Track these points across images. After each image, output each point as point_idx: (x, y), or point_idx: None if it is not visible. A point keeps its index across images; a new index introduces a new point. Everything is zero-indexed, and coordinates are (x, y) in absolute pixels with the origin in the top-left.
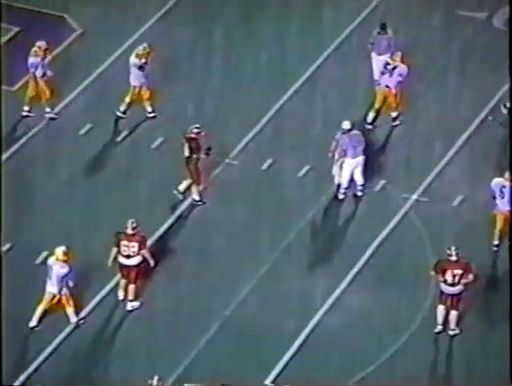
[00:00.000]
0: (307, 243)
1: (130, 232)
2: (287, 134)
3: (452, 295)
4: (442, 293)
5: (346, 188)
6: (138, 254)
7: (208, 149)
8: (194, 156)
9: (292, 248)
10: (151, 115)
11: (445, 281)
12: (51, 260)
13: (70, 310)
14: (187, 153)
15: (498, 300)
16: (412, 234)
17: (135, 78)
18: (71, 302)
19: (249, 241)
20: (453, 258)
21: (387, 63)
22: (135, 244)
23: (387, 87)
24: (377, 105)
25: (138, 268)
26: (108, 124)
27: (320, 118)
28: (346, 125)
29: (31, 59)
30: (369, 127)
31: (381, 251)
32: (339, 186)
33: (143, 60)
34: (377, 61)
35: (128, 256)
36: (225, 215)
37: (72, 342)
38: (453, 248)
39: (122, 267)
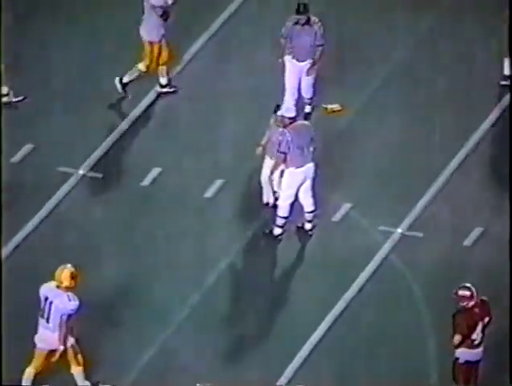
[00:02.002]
0: (221, 312)
1: None
2: (183, 126)
3: (476, 362)
4: (464, 364)
5: (286, 217)
6: None
7: None
8: None
9: (196, 322)
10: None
11: (472, 343)
12: (47, 288)
13: (77, 370)
14: None
15: None
16: (396, 290)
17: (155, 28)
18: (79, 358)
19: (119, 311)
20: (473, 301)
21: None
22: None
23: None
24: None
25: None
26: None
27: (238, 98)
28: (289, 109)
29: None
30: (504, 82)
31: (344, 320)
32: (274, 212)
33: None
34: (294, 71)
35: None
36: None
37: None
38: (468, 285)
39: None
